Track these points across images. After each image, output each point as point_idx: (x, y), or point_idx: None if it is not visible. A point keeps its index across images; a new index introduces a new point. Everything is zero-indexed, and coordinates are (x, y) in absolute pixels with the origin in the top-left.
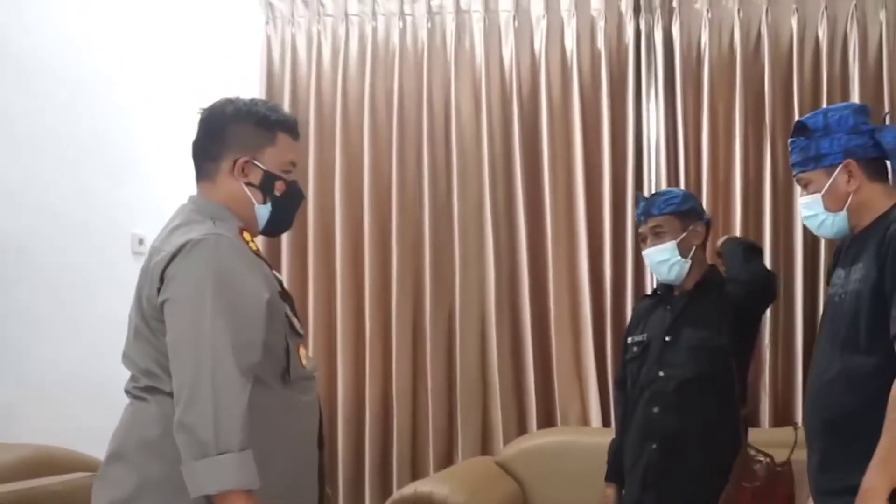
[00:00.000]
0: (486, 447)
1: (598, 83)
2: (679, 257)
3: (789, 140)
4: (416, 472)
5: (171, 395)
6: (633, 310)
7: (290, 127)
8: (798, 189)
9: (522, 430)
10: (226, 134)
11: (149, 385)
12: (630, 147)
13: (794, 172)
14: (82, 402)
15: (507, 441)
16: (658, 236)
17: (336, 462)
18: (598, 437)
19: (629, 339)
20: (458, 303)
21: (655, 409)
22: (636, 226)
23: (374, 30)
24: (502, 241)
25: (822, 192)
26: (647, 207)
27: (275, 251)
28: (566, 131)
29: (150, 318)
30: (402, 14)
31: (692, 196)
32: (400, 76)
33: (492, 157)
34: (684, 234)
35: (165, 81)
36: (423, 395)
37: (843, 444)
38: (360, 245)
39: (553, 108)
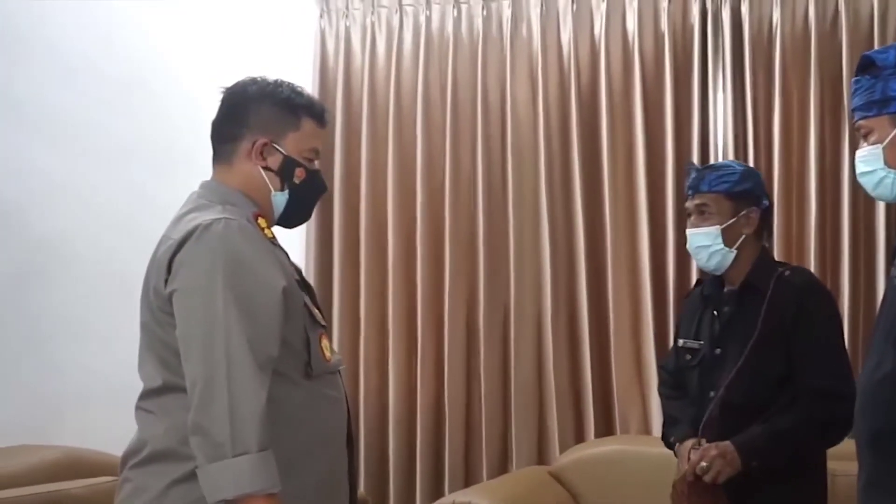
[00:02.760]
0: (542, 456)
1: (662, 68)
2: (722, 245)
3: (853, 80)
4: (469, 481)
5: (181, 392)
6: (683, 305)
7: (316, 112)
8: None
9: (580, 437)
10: (247, 114)
11: (153, 388)
12: (695, 137)
13: (854, 118)
14: (124, 407)
15: (563, 449)
16: (703, 216)
17: (387, 469)
18: (659, 446)
19: (681, 342)
20: (512, 303)
21: (703, 441)
22: (683, 199)
23: (429, 19)
24: (559, 239)
25: (885, 143)
26: (697, 181)
27: (327, 250)
28: (627, 121)
29: (157, 311)
30: (456, 2)
31: (753, 174)
32: (454, 67)
33: (548, 150)
34: (733, 220)
35: (214, 78)
36: (476, 400)
37: (892, 461)
38: (413, 243)
39: (613, 97)
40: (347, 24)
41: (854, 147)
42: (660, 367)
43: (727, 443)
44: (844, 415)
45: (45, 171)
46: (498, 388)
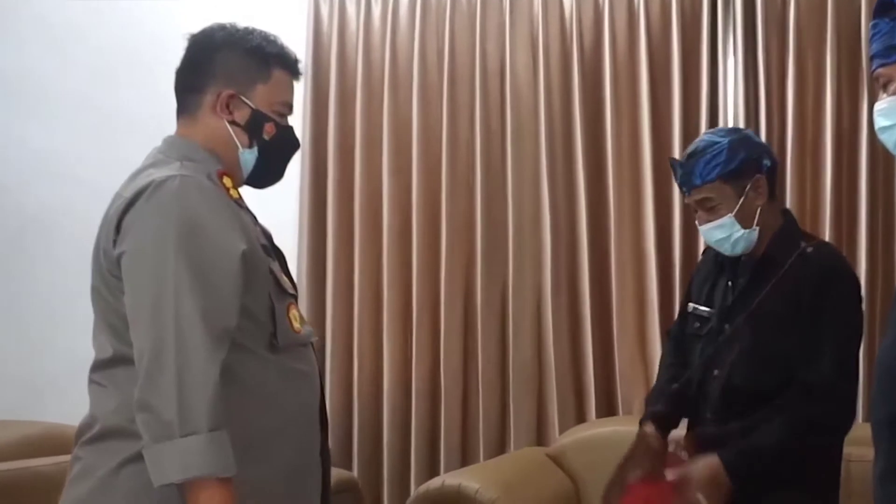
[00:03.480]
0: (541, 437)
1: (669, 32)
2: (741, 230)
3: (871, 23)
4: (465, 462)
5: (132, 364)
6: (698, 266)
7: (288, 63)
8: None
9: (580, 418)
10: (213, 63)
11: (104, 359)
12: (704, 104)
13: (872, 67)
14: None
15: (563, 430)
16: (709, 210)
17: (381, 449)
18: None
19: (690, 307)
20: (511, 280)
21: (708, 415)
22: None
23: None
24: (560, 214)
25: None
26: (687, 176)
27: (320, 225)
28: (632, 88)
29: (107, 275)
30: None
31: (742, 140)
32: (451, 31)
33: (549, 120)
34: (742, 200)
35: None
36: (473, 380)
37: None
38: (409, 217)
39: (618, 63)
40: None
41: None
42: (665, 333)
43: (715, 471)
44: (828, 419)
45: (29, 146)
46: (496, 366)
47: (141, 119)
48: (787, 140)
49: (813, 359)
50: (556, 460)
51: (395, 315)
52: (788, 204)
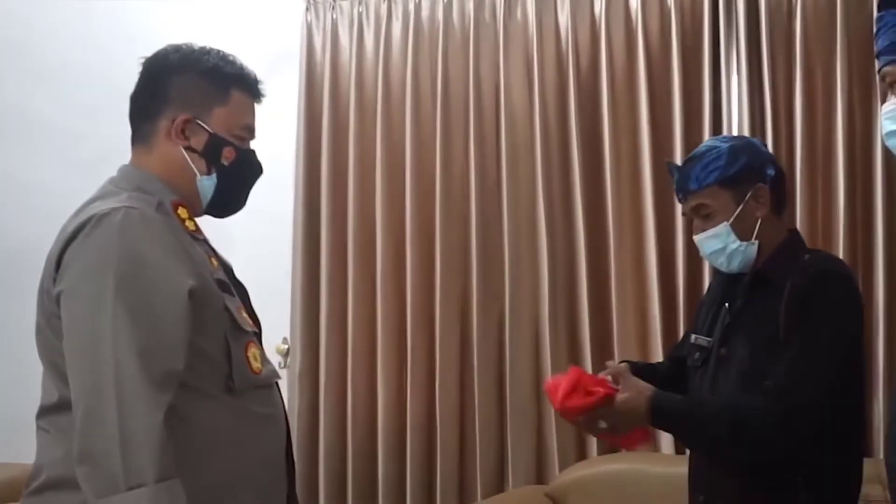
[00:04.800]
0: (540, 474)
1: (669, 50)
2: (738, 242)
3: (876, 17)
4: (463, 500)
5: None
6: (704, 296)
7: (247, 83)
8: None
9: (581, 455)
10: (167, 86)
11: (49, 404)
12: (707, 125)
13: (877, 65)
14: None
15: (563, 468)
16: (705, 218)
17: (376, 487)
18: (669, 465)
19: (692, 338)
20: (507, 310)
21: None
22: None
23: (418, 6)
24: (558, 241)
25: None
26: (684, 181)
27: (314, 254)
28: (631, 110)
29: (49, 315)
30: None
31: (745, 146)
32: (445, 55)
33: (545, 142)
34: (740, 208)
35: None
36: (470, 415)
37: None
38: (402, 245)
39: (616, 83)
40: (334, 16)
41: None
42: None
43: (644, 394)
44: (767, 414)
45: (21, 179)
46: (493, 400)
47: (129, 156)
48: (796, 155)
49: (781, 362)
50: (556, 499)
51: (390, 348)
52: (798, 222)
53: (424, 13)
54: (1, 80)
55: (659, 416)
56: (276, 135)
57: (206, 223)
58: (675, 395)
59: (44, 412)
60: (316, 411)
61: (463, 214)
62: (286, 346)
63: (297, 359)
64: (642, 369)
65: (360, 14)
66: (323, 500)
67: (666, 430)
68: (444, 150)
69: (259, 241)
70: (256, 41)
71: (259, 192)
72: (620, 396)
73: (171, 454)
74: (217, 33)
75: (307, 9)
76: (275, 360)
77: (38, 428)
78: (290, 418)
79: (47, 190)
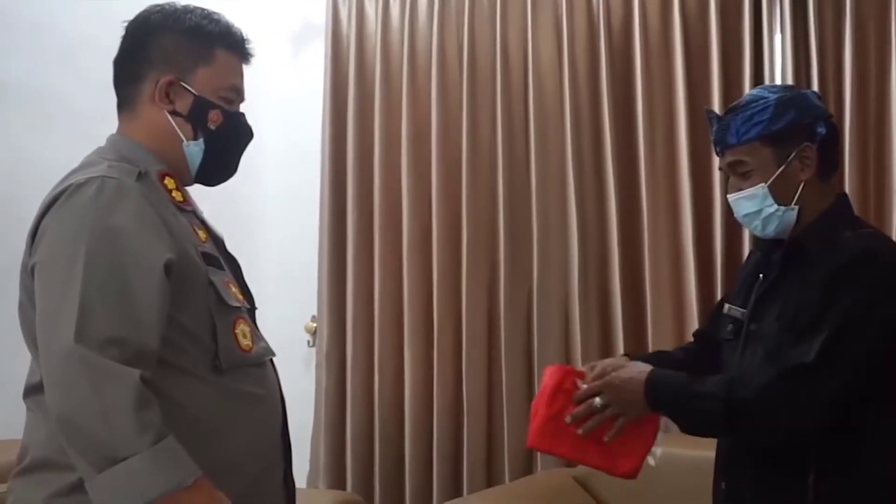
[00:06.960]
0: None
1: (706, 6)
2: (775, 205)
3: None
4: (490, 483)
5: None
6: (744, 262)
7: (232, 42)
8: None
9: None
10: (148, 47)
11: (33, 384)
12: (746, 87)
13: None
14: None
15: None
16: (742, 176)
17: (403, 470)
18: (700, 449)
19: (726, 308)
20: (536, 288)
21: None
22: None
23: None
24: (588, 214)
25: None
26: (722, 133)
27: (340, 230)
28: (666, 73)
29: (31, 292)
30: None
31: (796, 98)
32: (471, 23)
33: (576, 114)
34: (782, 169)
35: None
36: (497, 396)
37: None
38: (429, 223)
39: (650, 46)
40: None
41: None
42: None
43: (640, 376)
44: (750, 404)
45: (40, 160)
46: (521, 382)
47: None
48: (845, 114)
49: (802, 340)
50: (584, 483)
51: (417, 325)
52: (847, 186)
53: None
54: (17, 56)
55: (653, 391)
56: (302, 108)
57: (236, 206)
58: (674, 372)
59: (29, 391)
60: (343, 391)
61: (490, 187)
62: (315, 325)
63: (323, 338)
64: (650, 358)
65: None
66: (350, 479)
67: (665, 411)
68: (470, 122)
69: (288, 221)
70: (282, 13)
71: (287, 171)
72: (616, 372)
73: (156, 414)
74: (242, 6)
75: None
76: (304, 338)
77: (27, 408)
78: (318, 397)
79: (60, 166)
